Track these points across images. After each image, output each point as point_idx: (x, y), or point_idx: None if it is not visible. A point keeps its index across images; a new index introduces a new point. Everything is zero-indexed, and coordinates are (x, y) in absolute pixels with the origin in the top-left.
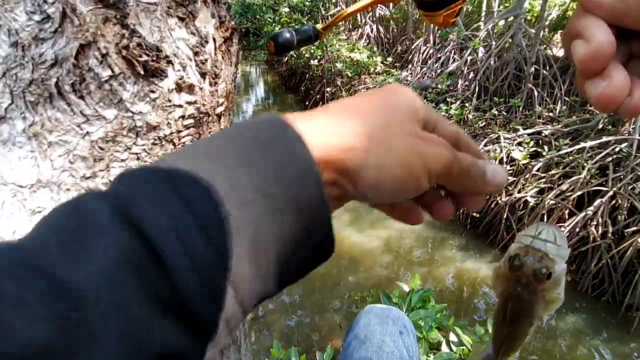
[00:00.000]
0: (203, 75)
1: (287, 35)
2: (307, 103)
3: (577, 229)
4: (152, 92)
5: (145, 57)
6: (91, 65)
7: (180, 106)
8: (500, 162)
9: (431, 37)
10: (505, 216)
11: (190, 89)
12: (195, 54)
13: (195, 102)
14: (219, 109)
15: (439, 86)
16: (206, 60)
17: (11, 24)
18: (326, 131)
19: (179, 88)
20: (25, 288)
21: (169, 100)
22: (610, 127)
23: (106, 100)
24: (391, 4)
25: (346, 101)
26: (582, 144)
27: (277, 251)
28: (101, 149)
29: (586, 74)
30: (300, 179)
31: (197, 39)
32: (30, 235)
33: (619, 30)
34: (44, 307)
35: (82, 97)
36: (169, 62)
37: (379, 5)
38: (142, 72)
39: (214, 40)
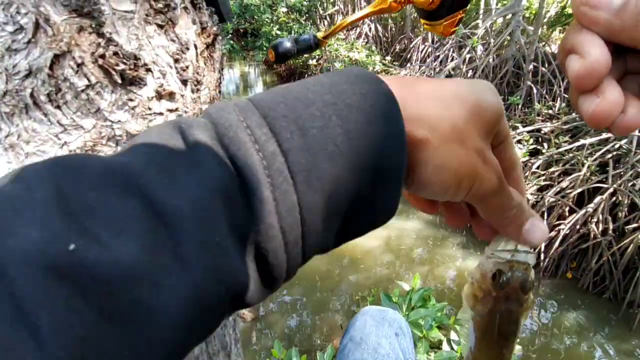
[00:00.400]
0: (184, 82)
1: (288, 44)
2: None
3: (578, 226)
4: (131, 100)
5: (122, 66)
6: (67, 75)
7: (161, 114)
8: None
9: (429, 36)
10: None
11: (171, 96)
12: (176, 61)
13: (176, 110)
14: None
15: None
16: (187, 67)
17: None
18: (412, 106)
19: (159, 96)
20: (119, 205)
21: (149, 108)
22: None
23: (83, 110)
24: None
25: (434, 82)
26: (582, 141)
27: (348, 210)
28: None
29: (580, 89)
30: (390, 139)
31: (177, 46)
32: (130, 152)
33: (615, 46)
34: (136, 226)
35: (58, 107)
36: (148, 70)
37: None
38: (119, 81)
39: (196, 46)
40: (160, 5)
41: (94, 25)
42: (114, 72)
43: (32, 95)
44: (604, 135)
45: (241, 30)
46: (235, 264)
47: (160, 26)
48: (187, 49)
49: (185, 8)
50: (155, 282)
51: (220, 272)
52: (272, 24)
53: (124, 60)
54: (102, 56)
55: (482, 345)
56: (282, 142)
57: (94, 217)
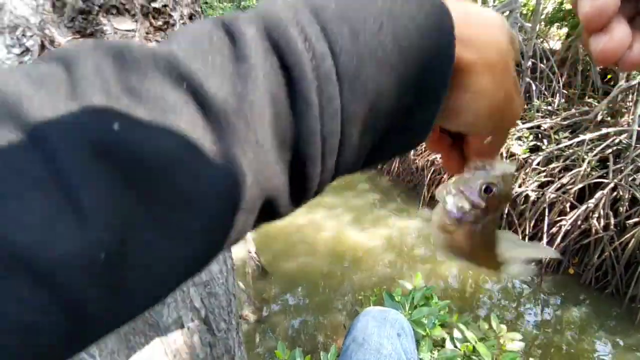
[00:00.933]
0: None
1: None
2: None
3: (579, 222)
4: None
5: None
6: None
7: None
8: (500, 156)
9: None
10: (506, 211)
11: None
12: None
13: None
14: None
15: None
16: None
17: None
18: (463, 26)
19: None
20: (164, 92)
21: None
22: (609, 118)
23: None
24: None
25: (479, 7)
26: (582, 137)
27: (384, 127)
28: None
29: (590, 30)
30: (439, 56)
31: None
32: (173, 42)
33: None
34: (181, 115)
35: None
36: None
37: None
38: None
39: None
40: (159, 23)
41: None
42: None
43: None
44: (604, 131)
45: None
46: (273, 168)
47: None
48: None
49: (184, 24)
50: (195, 173)
51: (259, 174)
52: None
53: None
54: None
55: (476, 255)
56: (332, 42)
57: (139, 101)
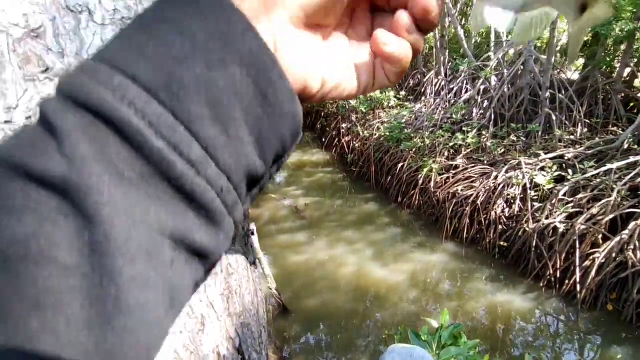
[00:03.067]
0: None
1: None
2: (323, 140)
3: (614, 254)
4: None
5: None
6: None
7: None
8: (524, 188)
9: (442, 70)
10: (534, 244)
11: None
12: None
13: None
14: None
15: (454, 116)
16: None
17: None
18: None
19: None
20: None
21: None
22: (636, 146)
23: None
24: None
25: None
26: (609, 166)
27: (240, 108)
28: None
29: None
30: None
31: None
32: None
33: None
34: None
35: None
36: None
37: None
38: None
39: None
40: None
41: None
42: None
43: None
44: (632, 159)
45: None
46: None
47: None
48: None
49: None
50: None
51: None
52: None
53: None
54: None
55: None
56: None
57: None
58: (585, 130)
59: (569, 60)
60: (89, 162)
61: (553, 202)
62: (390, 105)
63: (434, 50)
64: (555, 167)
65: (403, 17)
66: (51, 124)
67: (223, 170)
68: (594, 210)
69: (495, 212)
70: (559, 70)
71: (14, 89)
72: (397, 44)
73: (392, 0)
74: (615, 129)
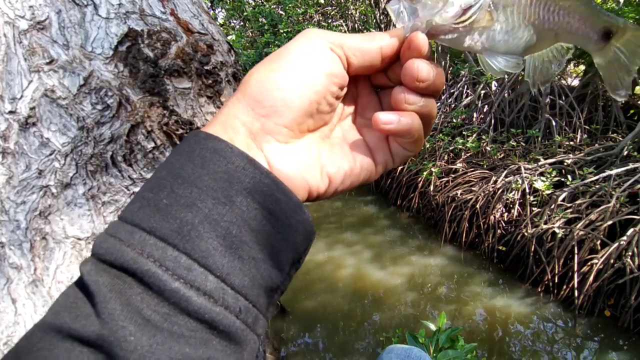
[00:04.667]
0: None
1: None
2: None
3: (612, 260)
4: None
5: (181, 130)
6: (139, 140)
7: None
8: (523, 193)
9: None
10: (533, 249)
11: None
12: None
13: None
14: None
15: (454, 120)
16: None
17: (80, 113)
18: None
19: None
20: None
21: None
22: (635, 153)
23: (149, 166)
24: None
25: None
26: (608, 172)
27: (250, 232)
28: None
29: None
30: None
31: None
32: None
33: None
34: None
35: (130, 165)
36: None
37: None
38: (178, 142)
39: None
40: (210, 81)
41: (161, 101)
42: (174, 136)
43: (111, 157)
44: (631, 166)
45: None
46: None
47: (210, 97)
48: None
49: (229, 81)
50: None
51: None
52: None
53: (182, 126)
54: (167, 124)
55: None
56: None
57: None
58: (585, 136)
59: (611, 90)
60: (117, 317)
61: (552, 207)
62: None
63: (435, 54)
64: (554, 173)
65: (397, 93)
66: (87, 288)
67: (239, 292)
68: (593, 216)
69: (494, 217)
70: (559, 76)
71: (19, 80)
72: (396, 121)
73: (391, 77)
74: (614, 135)
